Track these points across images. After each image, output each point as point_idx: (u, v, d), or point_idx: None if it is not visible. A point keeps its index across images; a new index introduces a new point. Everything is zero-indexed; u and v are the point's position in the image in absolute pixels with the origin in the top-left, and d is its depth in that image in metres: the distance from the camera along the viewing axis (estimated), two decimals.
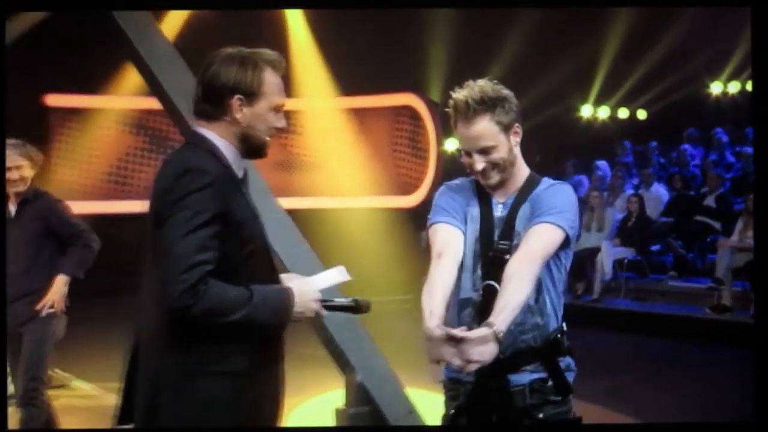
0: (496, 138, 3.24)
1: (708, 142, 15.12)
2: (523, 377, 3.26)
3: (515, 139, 3.29)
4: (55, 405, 8.05)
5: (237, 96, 3.03)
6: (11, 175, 5.62)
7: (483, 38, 14.19)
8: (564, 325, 3.37)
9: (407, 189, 14.34)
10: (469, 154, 3.27)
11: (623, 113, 17.68)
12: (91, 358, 9.38)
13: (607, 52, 15.81)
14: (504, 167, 3.30)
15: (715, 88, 16.77)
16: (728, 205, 12.51)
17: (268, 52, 3.12)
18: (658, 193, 13.86)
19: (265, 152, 3.17)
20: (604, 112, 17.55)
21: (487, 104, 3.22)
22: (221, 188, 2.98)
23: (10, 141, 5.76)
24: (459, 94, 3.25)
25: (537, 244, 3.19)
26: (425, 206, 14.21)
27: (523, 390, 3.26)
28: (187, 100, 5.30)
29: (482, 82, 3.28)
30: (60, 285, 5.68)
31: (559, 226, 3.21)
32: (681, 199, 13.35)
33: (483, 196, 3.41)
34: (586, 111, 17.49)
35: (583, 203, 13.55)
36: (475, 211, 3.38)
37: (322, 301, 3.17)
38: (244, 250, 3.05)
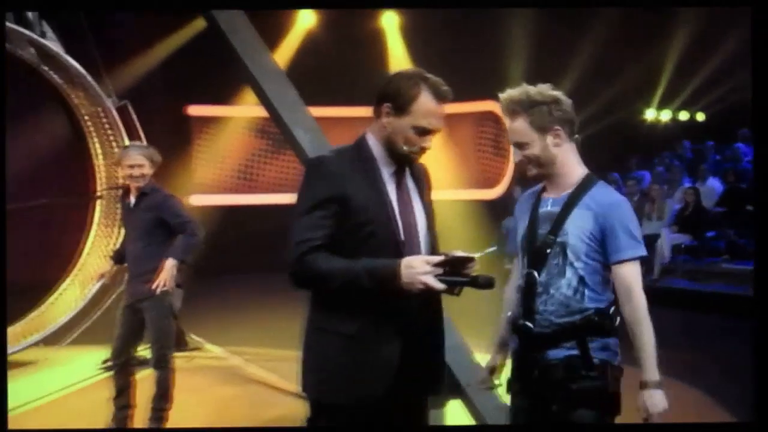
0: (529, 136, 3.21)
1: None
2: (560, 353, 3.22)
3: (554, 140, 3.21)
4: (189, 365, 8.42)
5: (387, 104, 3.06)
6: (134, 171, 5.75)
7: (559, 46, 14.19)
8: (611, 308, 3.25)
9: (489, 183, 14.46)
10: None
11: (684, 115, 17.56)
12: (222, 324, 9.69)
13: (670, 59, 15.71)
14: (539, 163, 3.26)
15: None
16: None
17: (437, 81, 3.09)
18: (713, 186, 13.75)
19: (406, 161, 3.16)
20: (666, 115, 17.47)
21: (524, 106, 3.19)
22: (338, 177, 3.03)
23: (136, 143, 6.04)
24: (503, 95, 3.26)
25: (637, 286, 3.20)
26: (504, 198, 14.35)
27: (558, 364, 3.21)
28: (289, 110, 5.63)
29: (530, 86, 3.24)
30: (169, 267, 5.71)
31: (642, 256, 3.23)
32: (734, 191, 13.26)
33: (540, 193, 3.38)
34: (650, 114, 17.42)
35: (645, 195, 13.64)
36: (529, 207, 3.38)
37: (441, 275, 2.96)
38: (363, 229, 3.03)
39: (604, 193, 3.28)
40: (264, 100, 5.40)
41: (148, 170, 5.82)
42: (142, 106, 13.82)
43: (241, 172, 14.09)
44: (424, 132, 3.05)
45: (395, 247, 3.06)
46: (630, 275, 3.22)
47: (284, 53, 14.13)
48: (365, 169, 3.09)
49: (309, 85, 13.02)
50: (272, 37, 14.19)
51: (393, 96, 3.05)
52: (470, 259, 2.99)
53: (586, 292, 3.23)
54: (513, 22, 13.60)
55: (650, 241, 12.45)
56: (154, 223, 5.80)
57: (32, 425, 6.35)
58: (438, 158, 14.17)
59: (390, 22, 14.78)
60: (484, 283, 3.01)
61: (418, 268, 2.93)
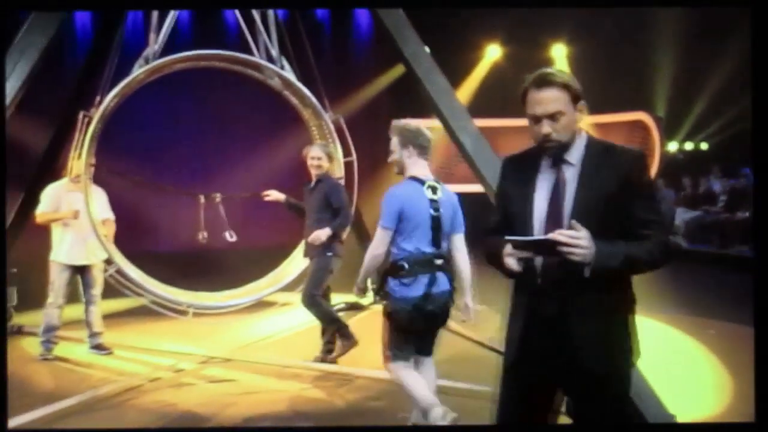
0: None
1: None
2: None
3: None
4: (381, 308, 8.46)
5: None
6: (314, 162, 5.93)
7: (701, 63, 13.14)
8: None
9: None
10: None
11: None
12: None
13: None
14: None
15: None
16: None
17: (537, 73, 2.61)
18: None
19: (544, 153, 2.62)
20: None
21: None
22: (502, 174, 2.80)
23: (320, 142, 6.24)
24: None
25: None
26: None
27: None
28: (456, 119, 5.43)
29: None
30: (324, 232, 5.87)
31: None
32: None
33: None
34: None
35: None
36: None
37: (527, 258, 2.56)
38: (511, 219, 2.68)
39: None
40: (436, 110, 5.26)
41: (325, 163, 5.96)
42: (365, 120, 14.37)
43: (443, 167, 13.99)
44: (534, 119, 2.58)
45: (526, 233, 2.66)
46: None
47: (475, 79, 14.01)
48: (527, 164, 2.68)
49: (495, 100, 13.03)
50: (466, 66, 14.09)
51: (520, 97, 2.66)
52: (547, 242, 2.43)
53: None
54: (659, 44, 12.73)
55: None
56: (323, 203, 5.92)
57: (272, 351, 6.46)
58: None
59: (559, 52, 14.23)
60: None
61: (505, 249, 2.55)
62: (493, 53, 14.17)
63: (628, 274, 2.58)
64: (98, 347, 6.61)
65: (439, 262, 4.06)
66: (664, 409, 4.39)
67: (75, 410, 5.11)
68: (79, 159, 6.26)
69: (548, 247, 2.44)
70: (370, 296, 8.67)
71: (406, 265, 3.98)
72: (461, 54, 13.68)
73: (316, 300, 5.96)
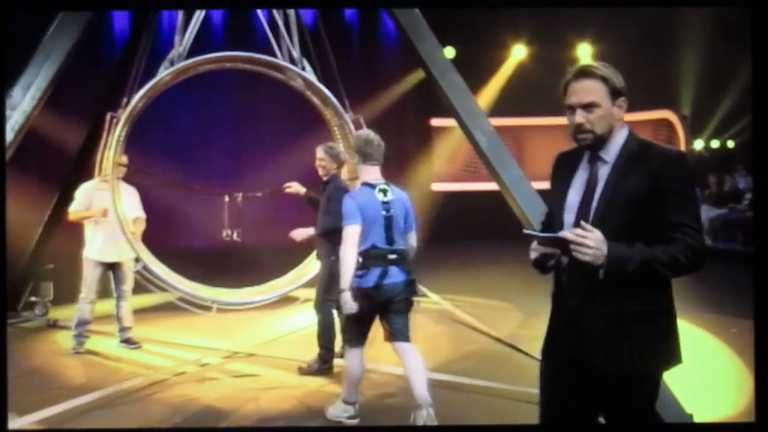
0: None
1: None
2: None
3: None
4: (414, 308, 8.40)
5: None
6: (317, 163, 5.71)
7: (727, 61, 12.87)
8: None
9: None
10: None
11: None
12: (441, 278, 9.45)
13: None
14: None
15: None
16: None
17: (577, 66, 2.58)
18: None
19: (579, 145, 2.57)
20: None
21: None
22: (552, 167, 2.73)
23: (327, 143, 5.87)
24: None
25: None
26: None
27: None
28: (471, 117, 5.33)
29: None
30: (303, 231, 5.89)
31: None
32: None
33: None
34: None
35: None
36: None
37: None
38: (550, 211, 2.71)
39: None
40: (452, 110, 5.18)
41: (328, 164, 5.71)
42: (398, 120, 14.34)
43: (468, 166, 13.94)
44: (570, 109, 2.52)
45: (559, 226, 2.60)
46: None
47: (501, 78, 13.86)
48: (571, 160, 2.63)
49: (520, 99, 12.88)
50: (492, 66, 13.95)
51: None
52: (558, 239, 2.40)
53: None
54: (685, 42, 12.48)
55: None
56: (325, 205, 5.64)
57: (294, 347, 6.43)
58: None
59: (584, 52, 14.01)
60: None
61: (531, 244, 2.58)
62: (518, 53, 14.01)
63: (651, 277, 2.40)
64: (128, 341, 6.65)
65: (392, 256, 4.40)
66: (681, 408, 4.28)
67: (101, 403, 5.13)
68: (108, 159, 6.30)
69: (560, 245, 2.41)
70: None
71: (361, 260, 4.35)
72: (487, 54, 13.57)
73: (325, 306, 5.74)
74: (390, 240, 4.42)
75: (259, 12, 6.61)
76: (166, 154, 11.27)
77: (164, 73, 6.10)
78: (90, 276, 6.52)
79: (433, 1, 5.40)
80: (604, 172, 2.49)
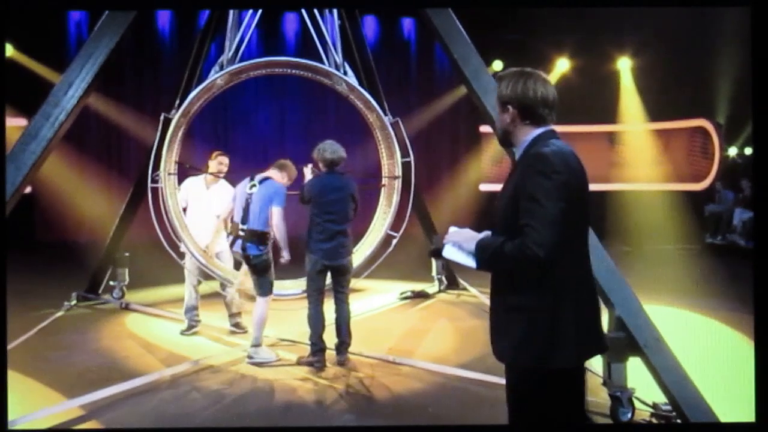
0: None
1: None
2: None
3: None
4: (456, 300, 7.69)
5: None
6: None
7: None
8: None
9: (698, 179, 12.29)
10: None
11: None
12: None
13: None
14: None
15: None
16: None
17: None
18: None
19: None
20: None
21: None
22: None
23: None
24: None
25: None
26: (708, 191, 12.28)
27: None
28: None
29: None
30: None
31: None
32: None
33: None
34: None
35: None
36: None
37: None
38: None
39: None
40: (484, 111, 4.42)
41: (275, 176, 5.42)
42: (451, 127, 13.59)
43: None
44: None
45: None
46: None
47: None
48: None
49: (565, 109, 11.93)
50: None
51: None
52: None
53: None
54: (721, 51, 11.25)
55: None
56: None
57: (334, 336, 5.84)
58: (656, 161, 12.51)
59: (624, 64, 12.89)
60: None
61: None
62: (561, 66, 12.99)
63: (498, 272, 2.29)
64: (237, 326, 6.17)
65: (240, 233, 5.27)
66: (708, 408, 3.75)
67: (144, 389, 4.61)
68: (169, 157, 5.78)
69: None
70: (435, 285, 7.93)
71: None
72: (532, 67, 12.59)
73: (344, 295, 5.32)
74: (244, 220, 5.24)
75: (305, 15, 5.93)
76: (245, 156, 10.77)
77: (214, 76, 5.53)
78: (190, 265, 6.06)
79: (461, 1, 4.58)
80: (510, 175, 2.35)
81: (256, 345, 5.24)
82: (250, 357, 5.22)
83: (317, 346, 5.10)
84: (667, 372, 3.77)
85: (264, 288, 5.28)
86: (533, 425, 2.23)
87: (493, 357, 2.29)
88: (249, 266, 5.27)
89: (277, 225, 5.11)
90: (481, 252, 2.21)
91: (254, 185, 5.24)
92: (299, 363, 5.18)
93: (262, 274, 5.24)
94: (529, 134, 2.30)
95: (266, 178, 5.27)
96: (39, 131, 3.90)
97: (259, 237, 5.17)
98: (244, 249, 5.20)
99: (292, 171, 5.44)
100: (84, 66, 4.07)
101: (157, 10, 11.47)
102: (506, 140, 2.38)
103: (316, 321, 5.10)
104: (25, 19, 9.70)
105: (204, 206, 6.12)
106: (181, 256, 6.12)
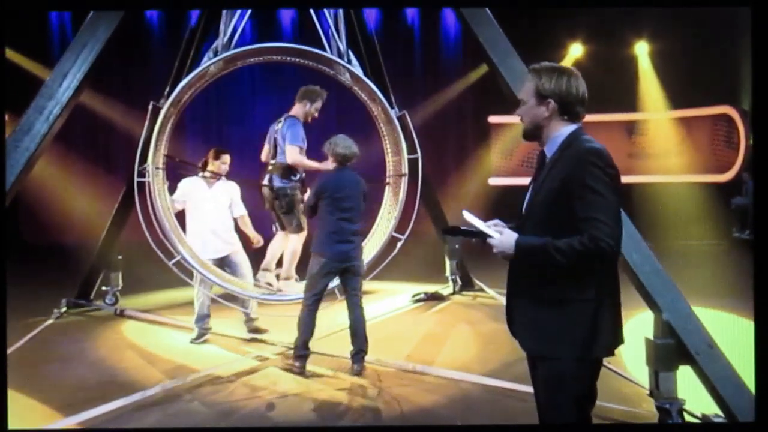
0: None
1: None
2: None
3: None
4: (473, 302, 7.57)
5: None
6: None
7: None
8: None
9: (722, 170, 12.19)
10: None
11: None
12: (497, 273, 8.61)
13: None
14: None
15: None
16: None
17: None
18: None
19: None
20: None
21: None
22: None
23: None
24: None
25: None
26: (734, 183, 12.20)
27: None
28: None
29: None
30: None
31: None
32: None
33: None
34: None
35: None
36: None
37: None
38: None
39: None
40: (512, 97, 4.27)
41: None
42: (458, 118, 13.44)
43: (524, 161, 12.90)
44: None
45: None
46: None
47: None
48: (545, 156, 2.53)
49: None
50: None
51: None
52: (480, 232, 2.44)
53: None
54: (744, 36, 11.14)
55: None
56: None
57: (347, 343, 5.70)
58: (679, 151, 12.42)
59: (642, 49, 12.76)
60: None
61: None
62: (575, 51, 12.86)
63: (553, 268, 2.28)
64: (255, 330, 6.10)
65: (269, 167, 5.91)
66: (743, 384, 3.70)
67: (147, 403, 4.48)
68: (157, 150, 5.60)
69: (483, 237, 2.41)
70: (450, 286, 7.80)
71: None
72: (545, 52, 12.45)
73: (358, 298, 5.21)
74: (274, 155, 5.87)
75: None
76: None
77: (208, 63, 5.37)
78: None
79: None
80: (545, 168, 2.41)
81: (287, 278, 5.84)
82: (280, 291, 5.83)
83: (301, 352, 5.02)
84: (722, 382, 3.62)
85: (293, 225, 5.79)
86: (566, 415, 2.31)
87: (521, 364, 2.39)
88: (276, 201, 5.77)
89: (292, 162, 5.62)
90: (529, 250, 2.30)
91: (280, 122, 5.79)
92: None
93: (289, 211, 5.73)
94: (564, 129, 2.42)
95: (290, 116, 5.76)
96: (32, 126, 3.77)
97: (284, 170, 5.70)
98: (270, 180, 5.76)
99: (314, 93, 5.79)
100: (79, 55, 3.93)
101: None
102: (534, 133, 2.47)
103: (307, 327, 5.01)
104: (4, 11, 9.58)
105: (211, 204, 6.02)
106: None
